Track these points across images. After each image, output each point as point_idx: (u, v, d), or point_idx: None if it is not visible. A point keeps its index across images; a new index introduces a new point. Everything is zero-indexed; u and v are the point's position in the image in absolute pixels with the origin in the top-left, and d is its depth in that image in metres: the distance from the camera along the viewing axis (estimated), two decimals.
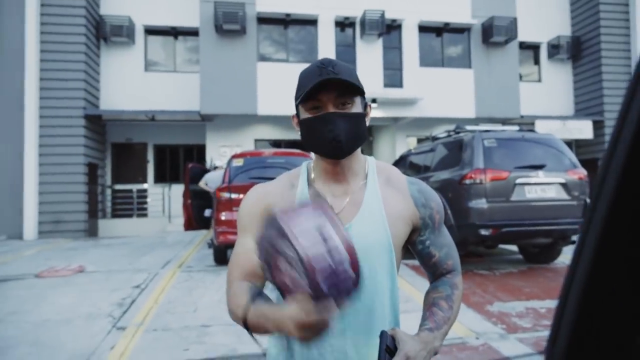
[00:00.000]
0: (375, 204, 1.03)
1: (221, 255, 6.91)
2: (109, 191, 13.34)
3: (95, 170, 12.63)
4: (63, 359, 3.37)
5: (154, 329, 4.05)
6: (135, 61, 13.19)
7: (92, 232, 11.90)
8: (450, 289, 1.05)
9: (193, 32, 13.33)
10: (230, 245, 6.63)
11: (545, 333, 3.82)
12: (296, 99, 1.00)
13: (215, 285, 5.66)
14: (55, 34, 11.64)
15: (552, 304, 4.69)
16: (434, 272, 1.10)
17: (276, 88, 12.41)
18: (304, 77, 0.98)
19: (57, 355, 3.45)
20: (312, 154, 1.14)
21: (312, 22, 13.14)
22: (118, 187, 13.44)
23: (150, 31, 13.44)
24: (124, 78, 13.04)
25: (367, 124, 1.03)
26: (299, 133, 1.03)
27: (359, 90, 0.97)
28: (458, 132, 6.65)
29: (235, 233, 6.19)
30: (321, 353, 0.97)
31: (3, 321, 4.31)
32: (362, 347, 0.98)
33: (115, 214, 13.28)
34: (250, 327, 0.84)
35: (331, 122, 0.95)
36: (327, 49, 13.01)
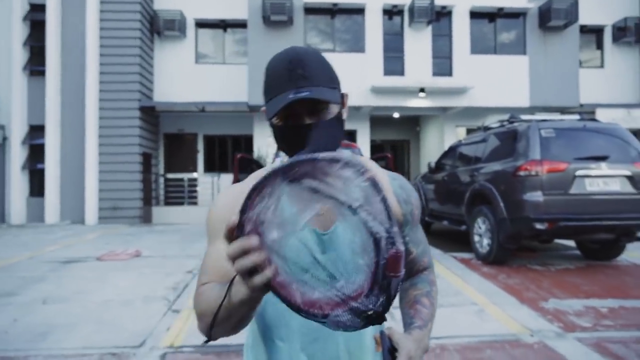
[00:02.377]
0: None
1: None
2: (162, 180, 13.92)
3: (150, 159, 13.21)
4: (124, 338, 3.57)
5: None
6: (187, 54, 13.60)
7: (146, 218, 12.49)
8: (429, 285, 1.05)
9: (241, 24, 13.54)
10: None
11: (607, 334, 3.62)
12: (264, 96, 0.92)
13: None
14: (113, 29, 12.20)
15: (614, 303, 4.43)
16: (411, 268, 1.08)
17: None
18: (271, 75, 0.90)
19: (118, 334, 3.65)
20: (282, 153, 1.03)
21: (359, 10, 12.96)
22: (170, 175, 13.99)
23: (201, 24, 13.78)
24: (176, 71, 13.49)
25: (345, 115, 0.96)
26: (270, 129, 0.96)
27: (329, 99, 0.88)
28: (512, 122, 6.37)
29: None
30: (311, 356, 0.93)
31: (70, 299, 4.62)
32: (354, 350, 0.95)
33: (168, 202, 13.85)
34: (232, 315, 0.75)
35: (304, 134, 0.88)
36: (374, 38, 12.82)
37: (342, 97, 0.95)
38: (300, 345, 0.94)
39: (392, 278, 0.64)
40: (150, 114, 13.24)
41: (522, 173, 5.47)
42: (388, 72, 12.75)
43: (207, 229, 0.99)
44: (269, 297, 0.76)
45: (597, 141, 5.58)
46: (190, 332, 3.71)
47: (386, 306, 0.65)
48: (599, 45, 14.54)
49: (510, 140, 6.00)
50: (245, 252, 0.64)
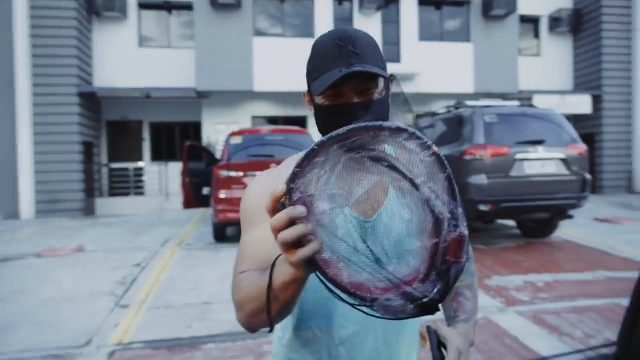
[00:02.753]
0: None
1: (220, 232, 6.92)
2: (105, 170, 13.26)
3: (91, 148, 12.52)
4: (67, 338, 3.40)
5: (157, 307, 4.08)
6: (129, 37, 12.91)
7: (89, 211, 11.88)
8: (471, 277, 0.99)
9: (187, 6, 13.01)
10: (229, 222, 6.64)
11: (543, 306, 3.88)
12: (309, 76, 0.90)
13: (216, 262, 5.69)
14: (45, 7, 11.32)
15: (549, 277, 4.75)
16: None
17: (273, 63, 12.21)
18: (319, 54, 0.87)
19: (61, 334, 3.47)
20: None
21: None
22: (114, 165, 13.35)
23: (144, 5, 13.09)
24: (118, 54, 12.78)
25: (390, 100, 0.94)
26: (312, 112, 0.93)
27: (381, 74, 0.85)
28: (458, 108, 6.59)
29: (234, 211, 6.19)
30: (351, 355, 0.90)
31: (5, 300, 4.33)
32: (393, 345, 0.92)
33: (112, 193, 13.23)
34: (278, 296, 0.68)
35: (354, 113, 0.84)
36: (324, 23, 12.75)
37: (389, 81, 0.92)
38: (339, 338, 0.90)
39: (452, 264, 0.59)
40: (91, 100, 12.50)
41: (467, 157, 5.69)
42: None
43: (242, 217, 0.92)
44: (311, 283, 0.70)
45: (535, 126, 5.90)
46: (141, 327, 3.59)
47: (443, 294, 0.59)
48: (536, 35, 15.29)
49: (456, 126, 6.21)
50: (291, 222, 0.59)
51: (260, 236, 0.84)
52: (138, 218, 10.59)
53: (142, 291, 4.56)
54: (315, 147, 0.60)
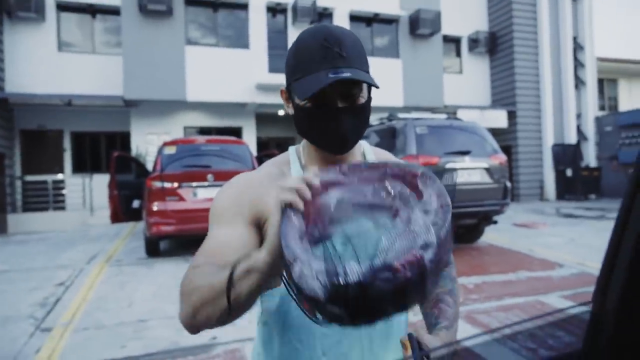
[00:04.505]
0: None
1: (153, 246, 6.60)
2: (18, 183, 12.14)
3: (2, 160, 11.42)
4: None
5: (85, 328, 3.79)
6: (48, 40, 12.00)
7: (0, 228, 10.79)
8: (451, 282, 0.97)
9: (113, 11, 12.40)
10: (163, 236, 6.36)
11: (474, 306, 4.13)
12: (290, 74, 0.86)
13: (149, 278, 5.40)
14: None
15: (478, 279, 5.06)
16: None
17: (206, 73, 11.97)
18: (302, 52, 0.83)
19: None
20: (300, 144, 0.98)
21: (242, 6, 12.79)
22: (30, 178, 12.26)
23: (63, 7, 12.28)
24: (34, 59, 11.82)
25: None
26: (291, 114, 0.91)
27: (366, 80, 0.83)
28: (391, 120, 6.87)
29: (168, 224, 5.95)
30: None
31: None
32: (380, 353, 0.91)
33: (28, 208, 12.13)
34: (235, 284, 0.65)
35: (338, 119, 0.83)
36: (259, 34, 12.76)
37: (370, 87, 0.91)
38: (322, 348, 0.87)
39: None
40: (2, 108, 11.44)
41: None
42: (273, 69, 12.79)
43: (213, 213, 0.88)
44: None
45: (461, 137, 6.31)
46: (67, 351, 3.32)
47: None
48: (458, 54, 16.42)
49: (389, 137, 6.47)
50: (299, 190, 0.65)
51: (228, 234, 0.82)
52: (59, 234, 9.79)
53: (67, 312, 4.21)
54: (365, 166, 0.71)
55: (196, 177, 6.19)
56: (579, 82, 16.01)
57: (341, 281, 0.56)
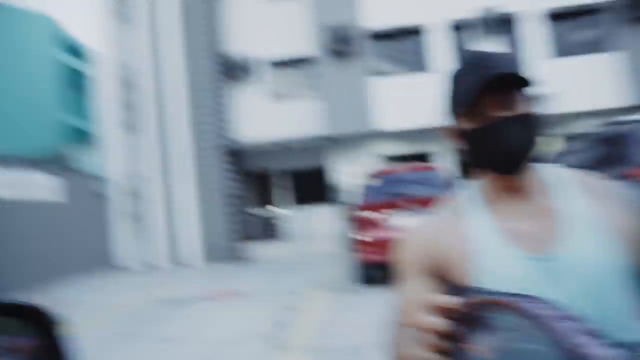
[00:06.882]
0: (585, 215, 0.81)
1: (365, 275, 6.94)
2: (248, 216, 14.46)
3: (240, 198, 13.85)
4: None
5: (317, 349, 4.20)
6: (260, 94, 14.15)
7: (243, 255, 12.98)
8: None
9: (310, 60, 13.90)
10: (374, 265, 6.62)
11: None
12: (450, 107, 0.88)
13: (363, 306, 5.69)
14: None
15: None
16: None
17: (394, 102, 12.40)
18: (457, 79, 0.85)
19: None
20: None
21: (423, 31, 12.93)
22: (255, 211, 14.53)
23: (272, 63, 14.19)
24: (251, 112, 14.05)
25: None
26: (455, 146, 0.90)
27: (527, 81, 0.80)
28: (615, 124, 5.82)
29: (379, 253, 6.21)
30: None
31: (182, 339, 4.88)
32: None
33: (255, 237, 14.32)
34: None
35: (501, 131, 0.80)
36: (441, 54, 12.64)
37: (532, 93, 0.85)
38: None
39: None
40: (234, 155, 13.93)
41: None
42: None
43: (400, 266, 0.94)
44: None
45: None
46: None
47: None
48: None
49: (613, 146, 5.47)
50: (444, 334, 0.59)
51: (414, 290, 0.87)
52: (282, 262, 11.23)
53: (298, 333, 4.75)
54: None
55: (402, 205, 6.41)
56: None
57: None
